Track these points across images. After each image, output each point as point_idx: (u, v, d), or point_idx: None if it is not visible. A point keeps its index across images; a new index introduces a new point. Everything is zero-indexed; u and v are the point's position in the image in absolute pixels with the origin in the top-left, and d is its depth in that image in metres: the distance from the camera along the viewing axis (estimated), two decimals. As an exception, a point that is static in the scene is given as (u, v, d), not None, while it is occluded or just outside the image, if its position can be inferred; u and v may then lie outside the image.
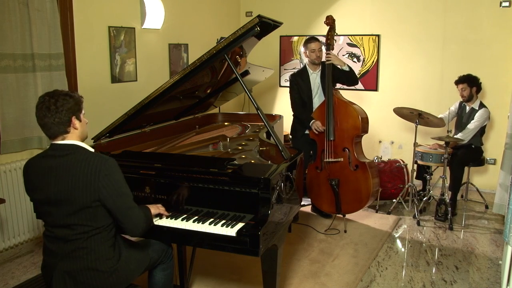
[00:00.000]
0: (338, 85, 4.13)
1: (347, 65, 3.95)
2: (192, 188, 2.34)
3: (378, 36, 5.43)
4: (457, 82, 4.44)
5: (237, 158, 2.75)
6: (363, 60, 5.54)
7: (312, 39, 4.05)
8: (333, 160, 3.83)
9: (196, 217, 2.29)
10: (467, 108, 4.44)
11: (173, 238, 2.30)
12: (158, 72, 4.82)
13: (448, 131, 4.18)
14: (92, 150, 2.01)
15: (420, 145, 4.45)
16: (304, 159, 3.30)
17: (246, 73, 3.58)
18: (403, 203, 4.51)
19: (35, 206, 2.03)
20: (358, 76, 5.51)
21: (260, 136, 3.18)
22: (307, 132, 4.07)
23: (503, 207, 3.99)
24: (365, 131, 3.89)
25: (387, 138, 5.56)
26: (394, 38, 5.36)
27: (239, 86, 3.39)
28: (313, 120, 3.91)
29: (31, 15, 3.37)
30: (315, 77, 4.10)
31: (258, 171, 2.37)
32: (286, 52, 6.05)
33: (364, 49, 5.52)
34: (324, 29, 4.04)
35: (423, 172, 4.51)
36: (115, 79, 4.27)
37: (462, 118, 4.47)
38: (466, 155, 4.35)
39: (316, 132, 3.87)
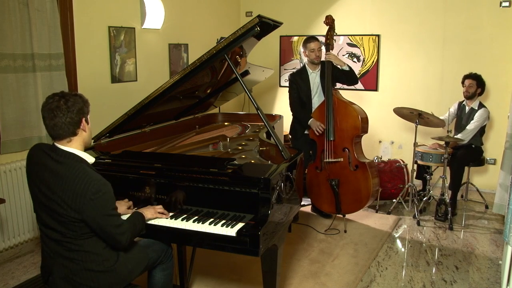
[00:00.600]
0: (338, 85, 4.14)
1: (347, 64, 3.95)
2: (192, 188, 2.34)
3: (378, 36, 5.43)
4: (466, 77, 4.43)
5: (237, 158, 2.75)
6: (363, 60, 5.54)
7: (311, 38, 4.05)
8: (333, 160, 3.83)
9: (196, 217, 2.29)
10: (467, 108, 4.45)
11: (173, 238, 2.30)
12: (158, 72, 4.82)
13: (448, 131, 4.18)
14: (93, 160, 1.98)
15: (420, 145, 4.45)
16: (304, 159, 3.30)
17: (246, 73, 3.58)
18: (403, 203, 4.51)
19: (32, 200, 2.00)
20: (358, 76, 5.52)
21: (260, 136, 3.18)
22: (306, 132, 4.07)
23: (503, 207, 3.99)
24: (365, 131, 3.89)
25: (387, 138, 5.56)
26: (394, 38, 5.36)
27: (239, 86, 3.39)
28: (311, 119, 3.91)
29: (31, 15, 3.37)
30: (314, 77, 4.10)
31: (258, 171, 2.37)
32: (286, 52, 6.05)
33: (364, 49, 5.52)
34: (324, 29, 4.04)
35: (423, 172, 4.51)
36: (115, 79, 4.27)
37: (461, 119, 4.48)
38: (466, 155, 4.35)
39: (317, 133, 3.87)
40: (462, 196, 4.71)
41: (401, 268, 3.33)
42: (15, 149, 3.45)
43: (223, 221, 2.22)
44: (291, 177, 2.52)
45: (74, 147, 1.93)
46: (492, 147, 4.94)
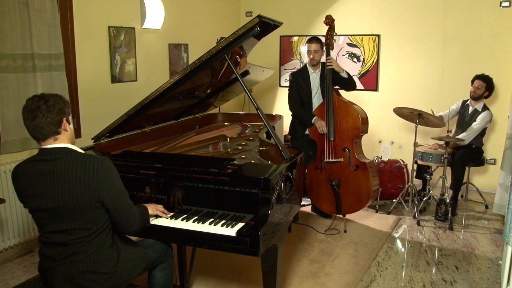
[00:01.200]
0: (337, 87, 4.13)
1: (346, 71, 3.94)
2: (192, 188, 2.34)
3: (378, 36, 5.43)
4: (477, 77, 4.39)
5: (237, 158, 2.75)
6: (363, 60, 5.54)
7: (311, 39, 4.01)
8: (333, 160, 3.83)
9: (196, 217, 2.29)
10: (470, 108, 4.43)
11: (173, 238, 2.30)
12: (158, 72, 4.82)
13: (448, 131, 4.17)
14: (83, 152, 1.97)
15: (420, 145, 4.45)
16: (304, 159, 3.30)
17: (246, 73, 3.58)
18: (403, 203, 4.51)
19: (31, 213, 1.97)
20: (358, 75, 5.52)
21: (260, 136, 3.18)
22: (306, 132, 4.07)
23: (503, 207, 3.99)
24: (365, 131, 3.89)
25: (387, 138, 5.56)
26: (394, 38, 5.36)
27: (239, 86, 3.39)
28: (316, 117, 3.89)
29: (31, 15, 3.37)
30: (315, 77, 4.09)
31: (258, 171, 2.37)
32: (286, 52, 6.05)
33: (364, 49, 5.52)
34: (324, 29, 4.04)
35: (423, 172, 4.51)
36: (115, 79, 4.27)
37: (464, 117, 4.46)
38: (467, 155, 4.35)
39: (320, 131, 3.85)
40: (462, 196, 4.71)
41: (401, 268, 3.33)
42: (15, 149, 3.45)
43: (223, 221, 2.22)
44: (291, 177, 2.52)
45: (63, 142, 1.91)
46: (492, 147, 4.94)
